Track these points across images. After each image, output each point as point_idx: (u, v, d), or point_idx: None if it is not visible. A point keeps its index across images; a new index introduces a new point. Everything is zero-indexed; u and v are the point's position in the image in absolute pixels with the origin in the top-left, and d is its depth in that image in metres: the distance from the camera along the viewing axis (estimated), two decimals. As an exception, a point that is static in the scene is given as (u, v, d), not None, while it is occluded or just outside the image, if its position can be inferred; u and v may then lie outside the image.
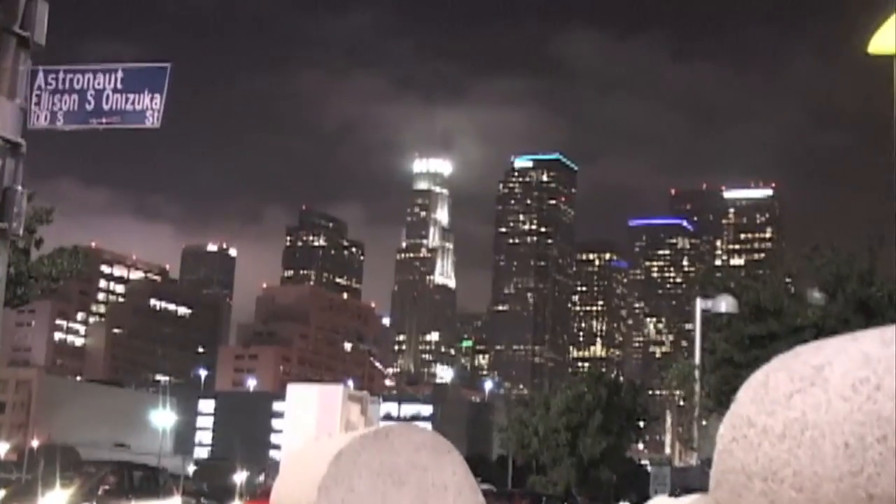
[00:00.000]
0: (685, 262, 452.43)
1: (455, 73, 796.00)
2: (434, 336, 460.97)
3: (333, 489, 5.44)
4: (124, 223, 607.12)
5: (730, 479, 2.06)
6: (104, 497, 29.83)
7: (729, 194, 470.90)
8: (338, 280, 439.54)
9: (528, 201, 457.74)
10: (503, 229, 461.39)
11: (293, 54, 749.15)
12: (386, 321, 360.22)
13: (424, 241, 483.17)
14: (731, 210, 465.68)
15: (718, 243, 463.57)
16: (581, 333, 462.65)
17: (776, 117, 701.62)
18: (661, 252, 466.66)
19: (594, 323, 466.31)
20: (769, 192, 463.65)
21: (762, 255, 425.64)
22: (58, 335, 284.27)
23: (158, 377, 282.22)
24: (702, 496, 10.43)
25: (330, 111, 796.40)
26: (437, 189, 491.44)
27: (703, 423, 33.86)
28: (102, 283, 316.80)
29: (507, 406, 71.91)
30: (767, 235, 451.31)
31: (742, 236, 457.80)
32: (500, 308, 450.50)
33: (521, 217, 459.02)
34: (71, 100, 12.65)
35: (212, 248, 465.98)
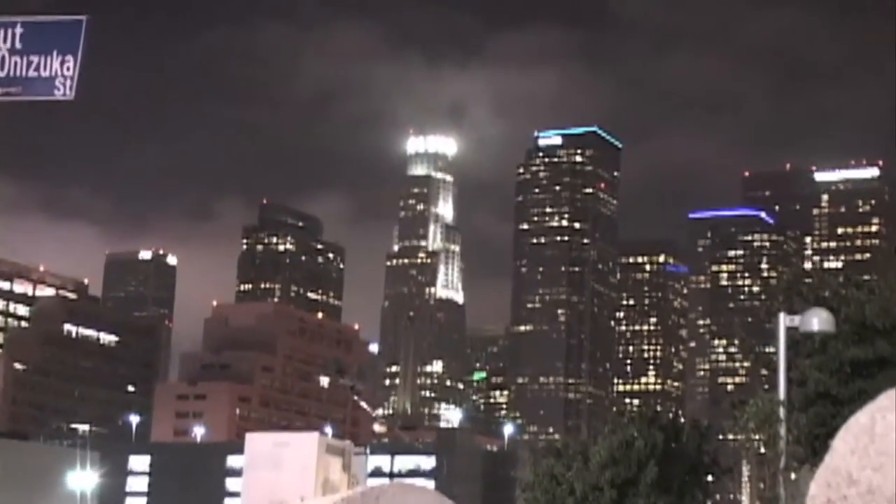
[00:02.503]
0: (764, 266, 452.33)
1: (467, 25, 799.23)
2: (437, 366, 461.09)
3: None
4: (30, 224, 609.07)
5: None
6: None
7: (822, 176, 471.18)
8: (310, 295, 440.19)
9: (557, 189, 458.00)
10: (525, 226, 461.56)
11: (254, 1, 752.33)
12: (374, 348, 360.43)
13: (423, 243, 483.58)
14: (825, 197, 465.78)
15: (808, 240, 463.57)
16: (628, 361, 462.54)
17: (885, 79, 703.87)
18: (732, 253, 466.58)
19: (645, 347, 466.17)
20: (875, 172, 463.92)
21: (866, 254, 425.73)
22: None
23: (75, 426, 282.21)
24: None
25: (302, 75, 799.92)
26: (439, 175, 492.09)
27: (792, 476, 33.82)
28: (0, 304, 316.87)
29: (532, 457, 71.74)
30: (873, 229, 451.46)
31: (839, 231, 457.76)
32: (523, 329, 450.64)
33: (549, 210, 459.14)
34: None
35: (145, 255, 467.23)
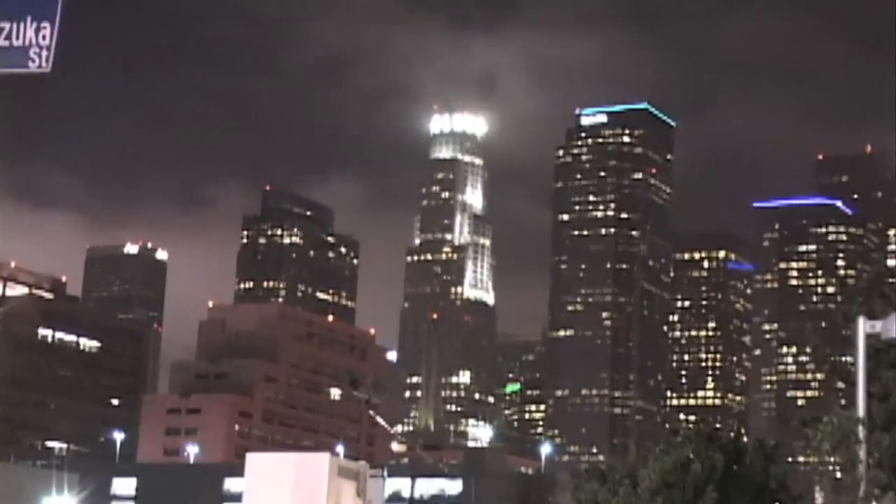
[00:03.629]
0: (840, 263, 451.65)
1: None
2: (464, 377, 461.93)
3: None
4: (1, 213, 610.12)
5: None
6: None
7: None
8: (320, 295, 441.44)
9: (602, 174, 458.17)
10: (565, 216, 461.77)
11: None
12: (392, 356, 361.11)
13: (448, 237, 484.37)
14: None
15: (892, 233, 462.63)
16: (683, 372, 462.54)
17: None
18: (803, 248, 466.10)
19: (703, 355, 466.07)
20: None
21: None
22: None
23: (51, 444, 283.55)
24: None
25: (308, 42, 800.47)
26: (467, 158, 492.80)
27: (873, 504, 33.78)
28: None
29: (574, 481, 71.94)
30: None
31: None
32: (562, 334, 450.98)
33: (592, 198, 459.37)
34: None
35: (131, 249, 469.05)
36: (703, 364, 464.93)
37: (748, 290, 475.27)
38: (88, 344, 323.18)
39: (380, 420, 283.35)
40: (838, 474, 36.32)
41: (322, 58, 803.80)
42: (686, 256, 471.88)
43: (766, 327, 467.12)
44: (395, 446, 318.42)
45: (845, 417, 34.06)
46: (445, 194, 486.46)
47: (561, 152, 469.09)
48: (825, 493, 39.03)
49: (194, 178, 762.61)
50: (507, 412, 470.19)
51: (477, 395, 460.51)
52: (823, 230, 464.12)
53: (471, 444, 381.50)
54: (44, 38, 12.57)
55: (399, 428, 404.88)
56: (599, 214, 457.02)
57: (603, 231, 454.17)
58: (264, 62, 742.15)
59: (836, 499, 35.53)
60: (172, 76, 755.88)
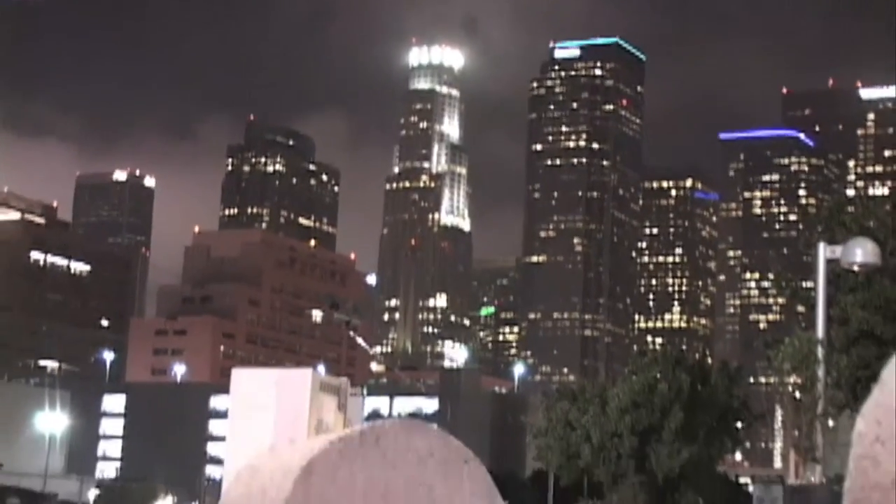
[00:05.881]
0: (802, 193, 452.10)
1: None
2: (440, 300, 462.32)
3: (301, 519, 5.29)
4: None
5: (873, 499, 1.98)
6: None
7: (868, 94, 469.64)
8: (302, 221, 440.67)
9: (575, 106, 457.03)
10: (539, 146, 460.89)
11: None
12: (371, 280, 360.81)
13: (425, 165, 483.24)
14: (871, 116, 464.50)
15: (851, 164, 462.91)
16: (651, 295, 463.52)
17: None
18: (766, 178, 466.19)
19: (670, 280, 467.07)
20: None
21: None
22: None
23: (44, 363, 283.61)
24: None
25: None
26: (444, 90, 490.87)
27: (831, 423, 33.91)
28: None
29: (545, 400, 72.19)
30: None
31: (886, 153, 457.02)
32: (535, 259, 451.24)
33: (565, 129, 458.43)
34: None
35: (120, 176, 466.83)
36: (670, 289, 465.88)
37: (714, 218, 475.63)
38: (79, 268, 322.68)
39: (360, 341, 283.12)
40: (798, 394, 36.42)
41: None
42: (654, 185, 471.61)
43: (731, 254, 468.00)
44: (375, 367, 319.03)
45: (805, 339, 34.15)
46: (423, 124, 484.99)
47: (535, 85, 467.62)
48: (785, 411, 39.14)
49: (182, 110, 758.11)
50: (481, 334, 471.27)
51: (453, 318, 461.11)
52: (786, 161, 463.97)
53: (447, 364, 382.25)
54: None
55: (378, 349, 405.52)
56: (572, 145, 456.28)
57: (575, 161, 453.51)
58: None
59: (796, 417, 35.68)
60: (163, 11, 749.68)
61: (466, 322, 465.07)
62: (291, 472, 4.95)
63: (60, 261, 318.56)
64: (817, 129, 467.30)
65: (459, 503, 5.27)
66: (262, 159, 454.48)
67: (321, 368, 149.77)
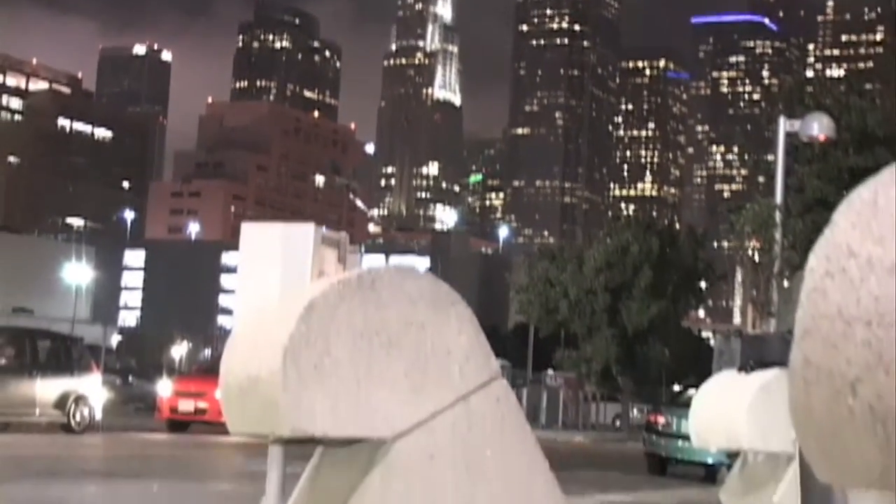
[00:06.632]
0: (766, 73, 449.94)
1: None
2: (433, 168, 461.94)
3: (303, 353, 5.36)
4: (22, 15, 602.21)
5: (823, 327, 2.04)
6: (-5, 373, 29.94)
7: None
8: (307, 94, 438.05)
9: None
10: (525, 27, 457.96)
11: None
12: (370, 148, 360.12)
13: (420, 43, 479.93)
14: (830, 3, 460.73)
15: (811, 47, 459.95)
16: (626, 166, 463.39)
17: None
18: (733, 59, 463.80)
19: (643, 152, 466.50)
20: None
21: (870, 63, 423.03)
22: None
23: (70, 221, 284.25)
24: (782, 370, 10.54)
25: None
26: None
27: (786, 283, 34.05)
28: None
29: (527, 260, 72.59)
30: (878, 38, 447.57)
31: (843, 38, 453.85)
32: (520, 132, 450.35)
33: (549, 12, 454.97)
34: None
35: (139, 50, 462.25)
36: (643, 160, 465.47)
37: (684, 96, 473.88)
38: (102, 134, 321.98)
39: (359, 203, 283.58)
40: (757, 256, 36.52)
41: None
42: (630, 65, 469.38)
43: (699, 129, 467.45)
44: (372, 228, 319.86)
45: (765, 205, 34.13)
46: (419, 6, 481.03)
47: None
48: (745, 271, 39.37)
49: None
50: (470, 200, 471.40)
51: (444, 185, 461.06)
52: (752, 44, 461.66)
53: (438, 226, 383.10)
54: None
55: (375, 212, 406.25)
56: (555, 26, 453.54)
57: (558, 41, 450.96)
58: None
59: (754, 276, 35.82)
60: None
61: (456, 188, 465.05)
62: (295, 312, 5.00)
63: (85, 127, 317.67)
64: (781, 14, 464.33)
65: (447, 340, 5.35)
66: (271, 36, 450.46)
67: (323, 229, 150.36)
